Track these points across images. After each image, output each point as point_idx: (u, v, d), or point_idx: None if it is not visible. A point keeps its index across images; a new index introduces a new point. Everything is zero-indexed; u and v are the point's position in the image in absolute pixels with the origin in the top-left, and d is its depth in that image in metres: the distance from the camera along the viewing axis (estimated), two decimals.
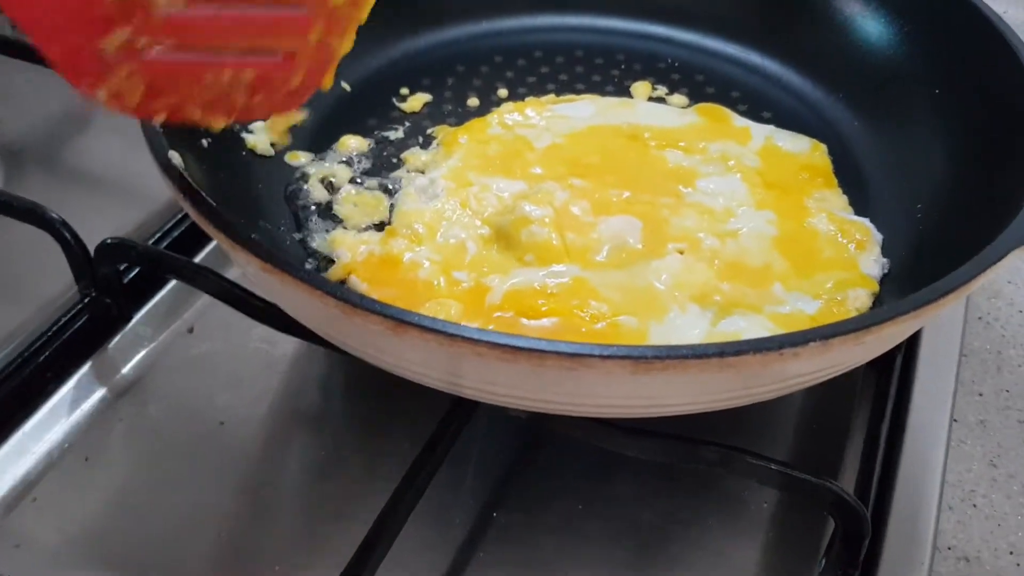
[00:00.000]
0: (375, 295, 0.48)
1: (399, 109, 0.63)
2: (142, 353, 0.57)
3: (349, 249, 0.51)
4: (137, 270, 0.59)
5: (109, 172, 0.70)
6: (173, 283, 0.60)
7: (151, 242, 0.62)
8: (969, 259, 0.41)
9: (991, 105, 0.53)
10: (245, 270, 0.42)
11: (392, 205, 0.55)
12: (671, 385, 0.37)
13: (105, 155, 0.71)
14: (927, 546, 0.46)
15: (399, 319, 0.36)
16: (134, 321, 0.58)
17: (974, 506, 0.50)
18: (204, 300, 0.58)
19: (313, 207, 0.55)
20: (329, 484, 0.50)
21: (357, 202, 0.54)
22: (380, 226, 0.54)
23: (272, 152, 0.57)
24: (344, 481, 0.50)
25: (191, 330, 0.59)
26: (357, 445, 0.52)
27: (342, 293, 0.36)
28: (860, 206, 0.55)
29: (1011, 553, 0.47)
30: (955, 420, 0.53)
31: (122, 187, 0.68)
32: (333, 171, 0.57)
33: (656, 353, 0.35)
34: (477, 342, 0.35)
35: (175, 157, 0.44)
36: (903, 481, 0.49)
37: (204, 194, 0.42)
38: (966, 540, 0.48)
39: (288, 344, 0.57)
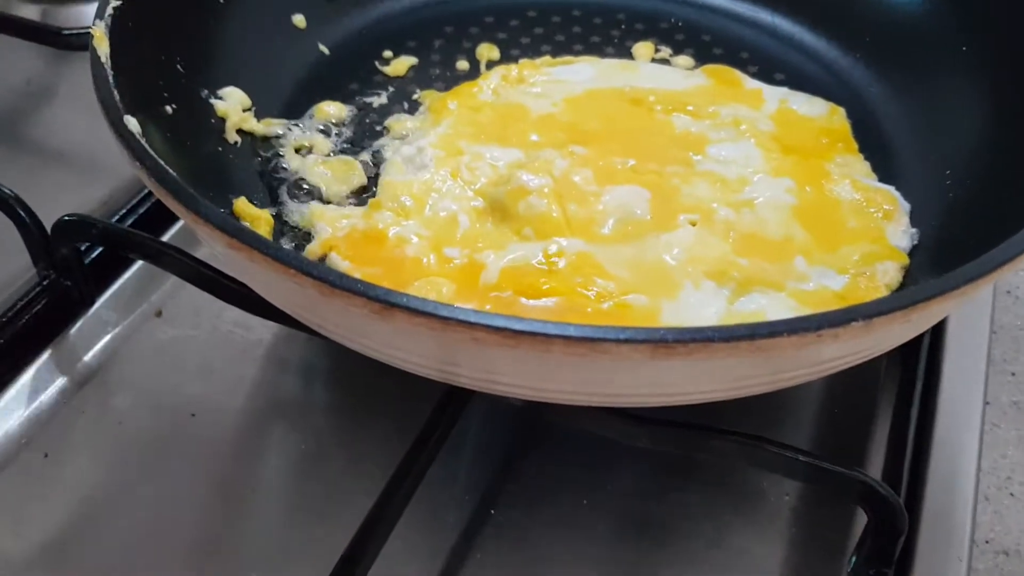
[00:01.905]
0: (357, 274, 0.43)
1: (382, 73, 0.58)
2: (106, 339, 0.53)
3: (329, 224, 0.46)
4: (100, 250, 0.55)
5: (72, 147, 0.65)
6: (140, 264, 0.56)
7: (115, 220, 0.58)
8: (1006, 227, 0.37)
9: (1023, 63, 0.49)
10: (211, 247, 0.37)
11: (370, 168, 0.50)
12: (693, 371, 0.33)
13: (69, 130, 0.66)
14: (965, 540, 0.43)
15: (385, 301, 0.31)
16: (97, 305, 0.54)
17: (1011, 495, 0.46)
18: (173, 281, 0.54)
19: (289, 179, 0.50)
20: (310, 482, 0.46)
21: (328, 168, 0.50)
22: (362, 197, 0.49)
23: (244, 120, 0.52)
24: (326, 479, 0.46)
25: (159, 313, 0.54)
26: (341, 439, 0.48)
27: (319, 272, 0.32)
28: (884, 173, 0.51)
29: None
30: (987, 402, 0.49)
31: (86, 163, 0.64)
32: (310, 140, 0.52)
33: (679, 336, 0.30)
34: (474, 326, 0.31)
35: (132, 122, 0.39)
36: (935, 470, 0.45)
37: (163, 162, 0.37)
38: (1004, 532, 0.44)
39: (265, 328, 0.53)
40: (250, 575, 0.42)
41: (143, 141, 0.38)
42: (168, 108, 0.48)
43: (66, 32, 0.65)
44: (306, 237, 0.47)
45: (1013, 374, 0.51)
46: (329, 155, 0.51)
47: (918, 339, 0.50)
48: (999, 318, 0.55)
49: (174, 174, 0.36)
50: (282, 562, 0.43)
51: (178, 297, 0.55)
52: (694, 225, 0.47)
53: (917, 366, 0.49)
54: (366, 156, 0.52)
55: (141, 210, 0.59)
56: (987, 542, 0.44)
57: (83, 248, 0.54)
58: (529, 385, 0.35)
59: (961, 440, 0.46)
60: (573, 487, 0.46)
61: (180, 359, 0.52)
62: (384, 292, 0.31)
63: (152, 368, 0.52)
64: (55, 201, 0.55)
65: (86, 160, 0.64)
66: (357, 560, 0.36)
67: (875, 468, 0.45)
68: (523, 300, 0.42)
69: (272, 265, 0.33)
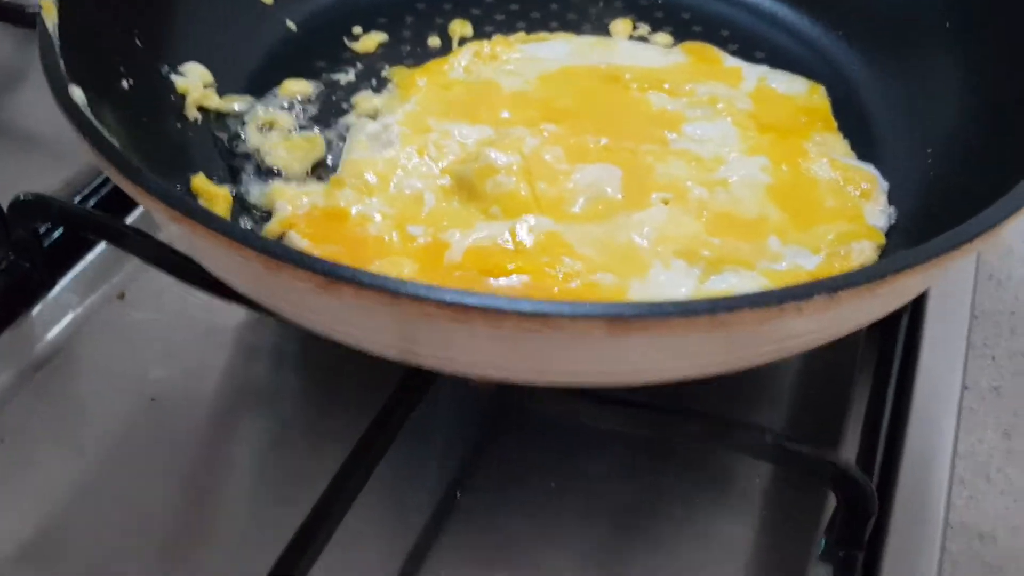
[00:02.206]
0: (316, 252, 0.42)
1: (350, 50, 0.56)
2: (66, 322, 0.52)
3: (289, 201, 0.45)
4: (60, 232, 0.54)
5: (38, 130, 0.64)
6: (102, 246, 0.54)
7: (77, 200, 0.56)
8: (988, 205, 0.36)
9: (1009, 38, 0.47)
10: (157, 220, 0.36)
11: (334, 147, 0.49)
12: (653, 348, 0.32)
13: (34, 112, 0.65)
14: (938, 523, 0.42)
15: (330, 275, 0.30)
16: (58, 287, 0.53)
17: (988, 479, 0.45)
18: (136, 264, 0.53)
19: (250, 157, 0.49)
20: (273, 468, 0.45)
21: (289, 145, 0.48)
22: (325, 175, 0.48)
23: (206, 96, 0.50)
24: (291, 464, 0.45)
25: (121, 296, 0.53)
26: (307, 424, 0.47)
27: (263, 244, 0.31)
28: (864, 152, 0.50)
29: None
30: (966, 387, 0.48)
31: (51, 146, 0.62)
32: (273, 117, 0.51)
33: (636, 311, 0.29)
34: (424, 300, 0.30)
35: (77, 93, 0.38)
36: (910, 453, 0.44)
37: (113, 137, 0.36)
38: (979, 516, 0.43)
39: (229, 312, 0.51)
40: (212, 559, 0.41)
41: (88, 112, 0.37)
42: (124, 83, 0.46)
43: (30, 11, 0.63)
44: (266, 216, 0.46)
45: (993, 358, 0.50)
46: (291, 132, 0.50)
47: (896, 320, 0.49)
48: (981, 303, 0.54)
49: (117, 144, 0.35)
50: (243, 546, 0.42)
51: (141, 280, 0.53)
52: (667, 204, 0.45)
53: (895, 348, 0.48)
54: (331, 134, 0.51)
55: (103, 192, 0.58)
56: (962, 524, 0.43)
57: (43, 230, 0.53)
58: (487, 364, 0.34)
59: (938, 423, 0.45)
60: (542, 470, 0.45)
61: (142, 343, 0.51)
62: (330, 266, 0.30)
63: (114, 352, 0.50)
64: (16, 184, 0.53)
65: (51, 143, 0.62)
66: (309, 540, 0.35)
67: (850, 449, 0.44)
68: (487, 280, 0.41)
69: (216, 238, 0.31)
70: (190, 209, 0.32)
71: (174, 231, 0.34)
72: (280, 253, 0.31)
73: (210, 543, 0.42)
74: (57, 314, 0.52)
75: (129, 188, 0.34)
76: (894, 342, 0.48)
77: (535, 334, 0.30)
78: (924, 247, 0.32)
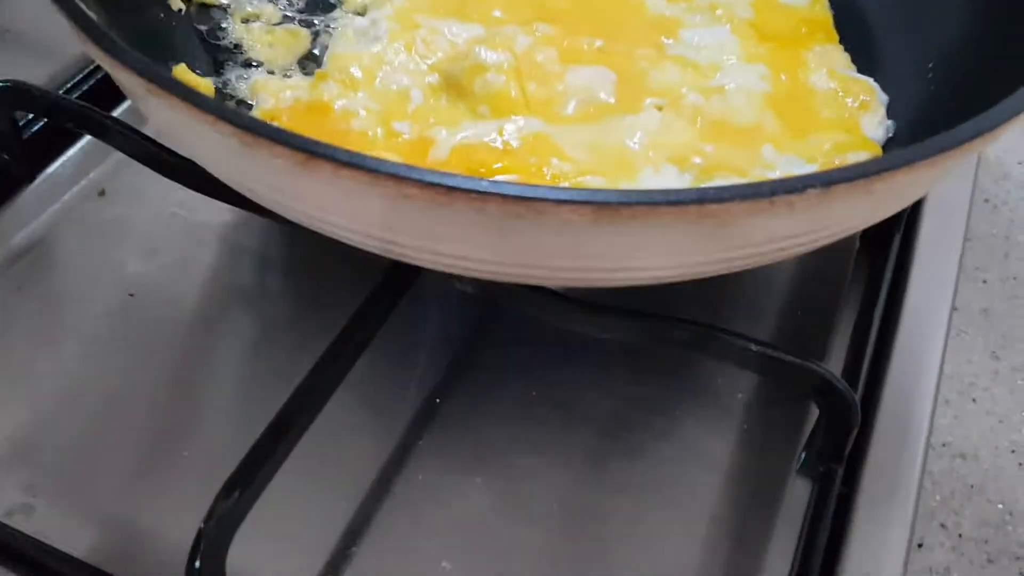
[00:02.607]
0: None
1: None
2: (45, 216, 0.51)
3: (272, 94, 0.44)
4: (41, 125, 0.52)
5: (21, 25, 0.62)
6: (84, 140, 0.53)
7: (61, 92, 0.55)
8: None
9: None
10: (131, 96, 0.35)
11: (320, 41, 0.47)
12: (640, 241, 0.31)
13: (17, 6, 0.63)
14: (920, 441, 0.41)
15: (308, 151, 0.29)
16: (37, 181, 0.52)
17: (973, 400, 0.45)
18: (117, 160, 0.52)
19: (233, 50, 0.47)
20: (255, 365, 0.45)
21: (273, 37, 0.47)
22: (310, 70, 0.47)
23: None
24: (273, 362, 0.45)
25: (102, 192, 0.52)
26: (289, 324, 0.46)
27: (239, 119, 0.30)
28: (864, 64, 0.48)
29: (1012, 452, 0.43)
30: (956, 308, 0.48)
31: (34, 41, 0.60)
32: (258, 9, 0.49)
33: (624, 198, 0.28)
34: (404, 179, 0.29)
35: None
36: (896, 370, 0.44)
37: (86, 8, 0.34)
38: (963, 437, 0.43)
39: (210, 211, 0.50)
40: (193, 455, 0.41)
41: None
42: None
43: None
44: (248, 108, 0.44)
45: (984, 281, 0.50)
46: (276, 26, 0.48)
47: (888, 238, 0.48)
48: (975, 227, 0.53)
49: (93, 17, 0.33)
50: (224, 443, 0.41)
51: (122, 176, 0.52)
52: (660, 110, 0.44)
53: (886, 266, 0.47)
54: (317, 28, 0.49)
55: (87, 86, 0.56)
56: (944, 445, 0.43)
57: (23, 122, 0.51)
58: (470, 257, 0.33)
59: (925, 342, 0.45)
60: (524, 378, 0.44)
61: (122, 239, 0.50)
62: (308, 142, 0.29)
63: (93, 247, 0.49)
64: None
65: (34, 38, 0.61)
66: (284, 431, 0.35)
67: (835, 364, 0.44)
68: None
69: (190, 111, 0.30)
70: (166, 81, 0.31)
71: (151, 106, 0.33)
72: (257, 128, 0.29)
73: (190, 440, 0.42)
74: (36, 208, 0.51)
75: (103, 59, 0.32)
76: (885, 259, 0.47)
77: (519, 220, 0.29)
78: (921, 145, 0.31)
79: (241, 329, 0.46)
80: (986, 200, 0.54)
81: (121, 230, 0.50)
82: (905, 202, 0.36)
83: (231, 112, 0.30)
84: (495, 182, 0.29)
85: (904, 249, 0.49)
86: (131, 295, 0.47)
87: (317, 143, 0.29)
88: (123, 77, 0.32)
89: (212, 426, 0.42)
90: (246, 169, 0.33)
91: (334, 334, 0.40)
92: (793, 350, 0.38)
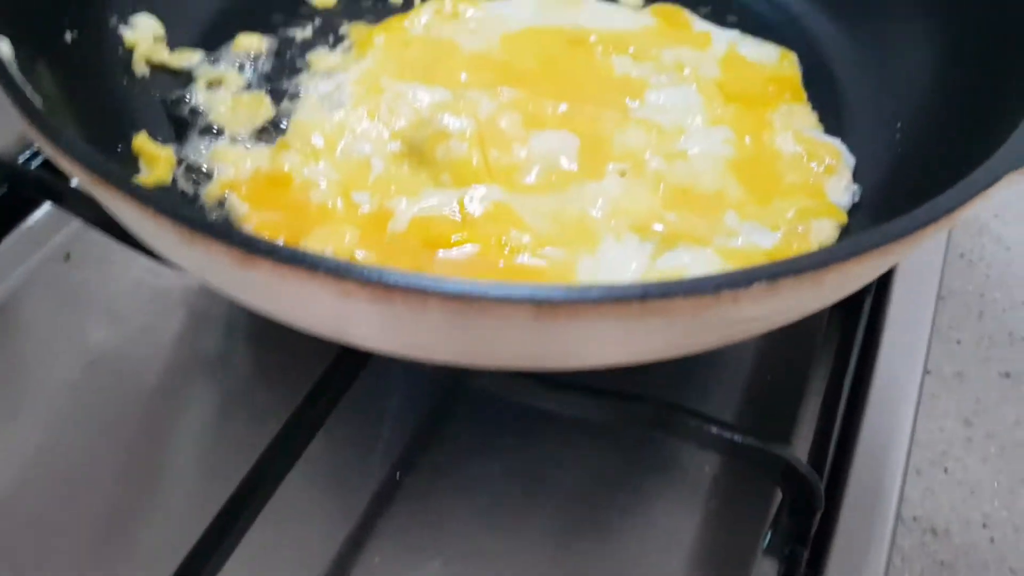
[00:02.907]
0: (256, 219, 0.41)
1: (309, 4, 0.54)
2: (9, 281, 0.50)
3: (232, 164, 0.43)
4: (5, 189, 0.52)
5: None
6: (49, 204, 0.53)
7: (23, 161, 0.54)
8: (953, 185, 0.34)
9: (988, 10, 0.45)
10: (77, 181, 0.34)
11: (285, 106, 0.47)
12: (585, 333, 0.30)
13: None
14: (889, 517, 0.40)
15: (247, 248, 0.28)
16: (3, 245, 0.51)
17: (945, 471, 0.44)
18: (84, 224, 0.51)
19: (196, 116, 0.47)
20: (214, 439, 0.44)
21: (235, 104, 0.46)
22: (272, 136, 0.46)
23: (155, 51, 0.48)
24: (232, 435, 0.44)
25: (67, 257, 0.52)
26: (251, 395, 0.46)
27: (177, 214, 0.29)
28: (832, 124, 0.48)
29: (984, 526, 0.42)
30: (928, 371, 0.47)
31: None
32: (223, 74, 0.49)
33: (565, 295, 0.28)
34: (343, 277, 0.28)
35: (3, 46, 0.36)
36: (866, 441, 0.43)
37: (30, 90, 0.34)
38: (934, 510, 0.42)
39: (176, 277, 0.50)
40: (149, 529, 0.40)
41: (14, 67, 0.35)
42: (68, 36, 0.44)
43: None
44: (209, 177, 0.44)
45: (959, 342, 0.49)
46: (240, 91, 0.48)
47: (859, 301, 0.47)
48: (950, 283, 0.52)
49: (28, 95, 0.33)
50: (180, 518, 0.41)
51: (88, 240, 0.52)
52: (623, 176, 0.44)
53: (856, 330, 0.47)
54: (283, 94, 0.49)
55: None
56: (915, 519, 0.42)
57: None
58: (416, 346, 0.33)
59: (896, 411, 0.44)
60: (486, 452, 0.44)
61: (86, 305, 0.49)
62: (246, 239, 0.29)
63: (56, 313, 0.49)
64: None
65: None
66: (233, 519, 0.34)
67: (805, 436, 0.43)
68: (430, 253, 0.39)
69: (129, 203, 0.30)
70: (104, 171, 0.31)
71: (94, 192, 0.32)
72: (195, 225, 0.29)
73: (147, 513, 0.42)
74: (0, 273, 0.50)
75: (47, 145, 0.32)
76: (856, 323, 0.47)
77: (460, 317, 0.29)
78: (874, 232, 0.30)
79: (202, 402, 0.45)
80: (961, 255, 0.54)
81: (85, 296, 0.50)
82: (863, 282, 0.36)
83: (170, 206, 0.29)
84: (436, 279, 0.28)
85: (876, 310, 0.48)
86: (93, 364, 0.47)
87: (256, 241, 0.29)
88: (65, 164, 0.32)
89: (169, 505, 0.42)
90: (189, 260, 0.32)
91: (294, 407, 0.40)
92: (758, 426, 0.38)
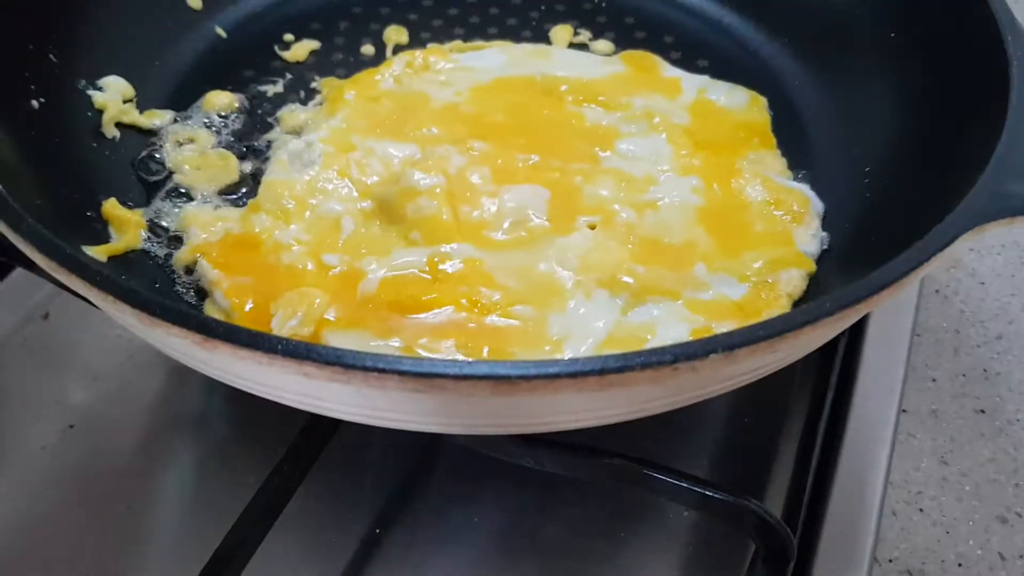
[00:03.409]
0: (226, 283, 0.41)
1: (281, 58, 0.55)
2: None
3: (202, 228, 0.43)
4: None
5: None
6: None
7: None
8: (918, 234, 0.35)
9: (952, 51, 0.46)
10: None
11: (256, 164, 0.47)
12: (545, 404, 0.30)
13: None
14: (864, 560, 0.41)
15: (206, 332, 0.29)
16: None
17: (920, 511, 0.44)
18: None
19: (166, 177, 0.47)
20: (193, 500, 0.44)
21: (202, 164, 0.47)
22: (241, 194, 0.46)
23: (125, 112, 0.49)
24: (210, 496, 0.44)
25: (46, 315, 0.52)
26: (227, 453, 0.46)
27: (137, 299, 0.29)
28: (801, 168, 0.48)
29: (960, 565, 0.42)
30: (904, 411, 0.47)
31: None
32: (193, 133, 0.49)
33: (522, 372, 0.28)
34: (301, 359, 0.28)
35: None
36: (841, 484, 0.43)
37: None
38: (910, 551, 0.42)
39: None
40: None
41: None
42: (34, 102, 0.44)
43: None
44: (179, 240, 0.44)
45: (934, 380, 0.49)
46: (209, 149, 0.48)
47: (833, 343, 0.48)
48: (924, 319, 0.53)
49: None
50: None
51: (66, 299, 0.52)
52: (593, 228, 0.44)
53: (831, 373, 0.47)
54: (253, 150, 0.49)
55: None
56: (891, 561, 0.42)
57: None
58: (382, 417, 0.33)
59: (871, 451, 0.44)
60: (465, 505, 0.44)
61: (65, 365, 0.50)
62: (205, 323, 0.29)
63: (35, 375, 0.49)
64: None
65: None
66: None
67: (778, 485, 0.43)
68: (398, 317, 0.39)
69: (88, 288, 0.30)
70: (64, 257, 0.31)
71: (59, 278, 0.33)
72: (156, 309, 0.29)
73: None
74: None
75: (6, 232, 0.32)
76: (831, 366, 0.47)
77: (419, 395, 0.29)
78: (829, 299, 0.30)
79: (180, 461, 0.46)
80: (936, 291, 0.54)
81: (64, 355, 0.50)
82: (821, 343, 0.36)
83: (129, 292, 0.30)
84: (394, 359, 0.28)
85: (851, 351, 0.48)
86: (71, 427, 0.47)
87: (214, 325, 0.29)
88: (26, 251, 0.32)
89: (149, 569, 0.42)
90: (152, 340, 0.33)
91: (272, 466, 0.40)
92: (730, 483, 0.38)
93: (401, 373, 0.28)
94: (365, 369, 0.28)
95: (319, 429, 0.39)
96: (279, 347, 0.29)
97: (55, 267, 0.31)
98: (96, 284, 0.30)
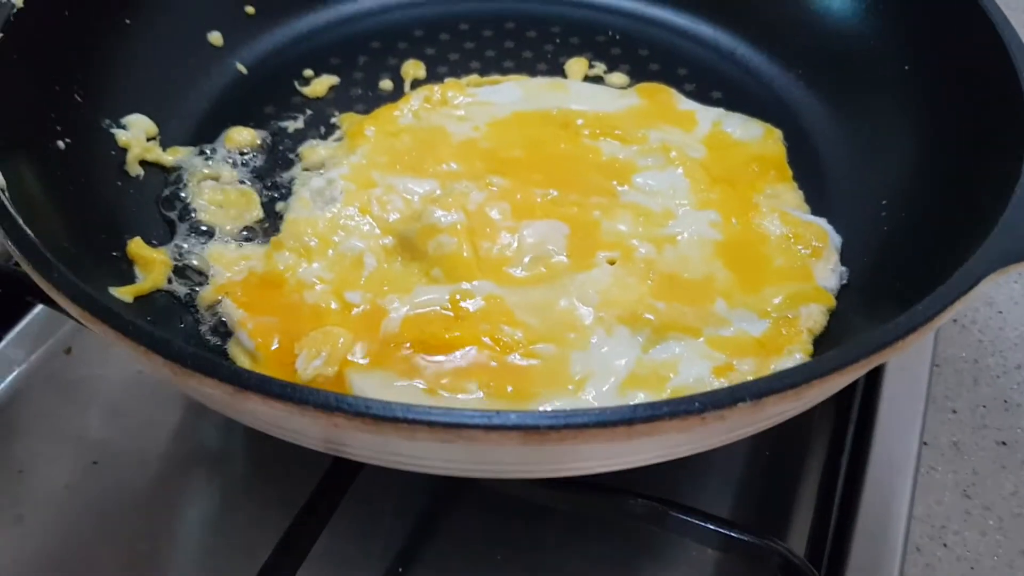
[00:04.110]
0: (251, 323, 0.41)
1: (301, 94, 0.55)
2: (10, 378, 0.51)
3: (226, 267, 0.44)
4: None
5: None
6: None
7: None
8: (939, 270, 0.35)
9: (967, 83, 0.46)
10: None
11: (279, 201, 0.48)
12: (574, 451, 0.31)
13: None
14: None
15: (237, 383, 0.29)
16: (3, 342, 0.52)
17: (945, 545, 0.44)
18: None
19: (188, 214, 0.47)
20: (216, 536, 0.45)
21: (224, 201, 0.47)
22: (265, 230, 0.47)
23: (149, 150, 0.49)
24: (235, 533, 0.44)
25: (68, 351, 0.52)
26: (249, 489, 0.46)
27: (170, 350, 0.30)
28: (817, 202, 0.48)
29: None
30: (925, 443, 0.47)
31: None
32: (216, 170, 0.49)
33: (551, 422, 0.28)
34: (332, 411, 0.29)
35: None
36: (865, 520, 0.43)
37: (21, 221, 0.35)
38: None
39: None
40: None
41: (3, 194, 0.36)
42: (61, 143, 0.45)
43: None
44: (203, 276, 0.45)
45: (954, 411, 0.49)
46: (231, 186, 0.49)
47: (853, 382, 0.48)
48: (943, 350, 0.53)
49: (30, 233, 0.34)
50: None
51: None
52: (612, 263, 0.44)
53: (851, 408, 0.47)
54: (275, 187, 0.50)
55: None
56: None
57: None
58: (409, 463, 0.33)
59: (893, 487, 0.44)
60: (488, 541, 0.44)
61: (87, 401, 0.50)
62: (236, 374, 0.29)
63: (58, 410, 0.50)
64: None
65: None
66: None
67: (801, 523, 0.43)
68: (422, 357, 0.40)
69: (121, 340, 0.31)
70: (97, 308, 0.31)
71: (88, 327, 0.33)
72: (188, 361, 0.30)
73: None
74: (3, 369, 0.51)
75: (32, 273, 0.33)
76: (852, 402, 0.47)
77: (449, 444, 0.29)
78: (854, 345, 0.31)
79: (203, 499, 0.46)
80: (954, 320, 0.54)
81: (87, 390, 0.50)
82: (844, 385, 0.36)
83: (162, 342, 0.30)
84: (423, 410, 0.28)
85: (871, 383, 0.48)
86: (95, 463, 0.47)
87: (246, 376, 0.29)
88: (58, 300, 0.32)
89: None
90: (183, 388, 0.33)
91: (298, 501, 0.40)
92: (755, 518, 0.38)
93: (431, 424, 0.28)
94: (396, 420, 0.28)
95: (346, 470, 0.39)
96: (310, 399, 0.29)
97: (88, 317, 0.31)
98: (130, 336, 0.30)
